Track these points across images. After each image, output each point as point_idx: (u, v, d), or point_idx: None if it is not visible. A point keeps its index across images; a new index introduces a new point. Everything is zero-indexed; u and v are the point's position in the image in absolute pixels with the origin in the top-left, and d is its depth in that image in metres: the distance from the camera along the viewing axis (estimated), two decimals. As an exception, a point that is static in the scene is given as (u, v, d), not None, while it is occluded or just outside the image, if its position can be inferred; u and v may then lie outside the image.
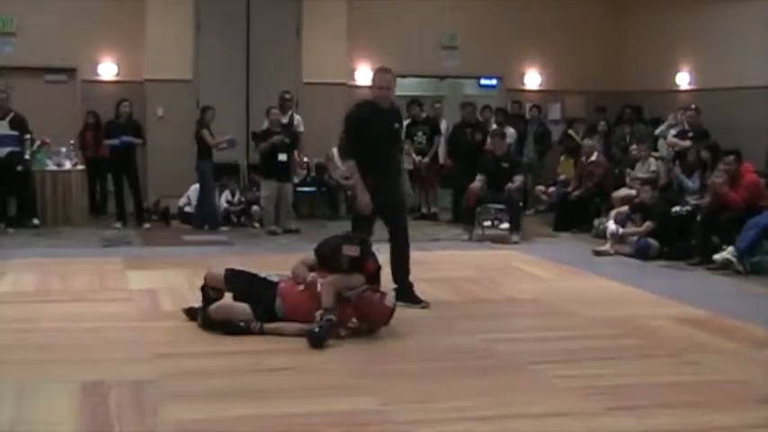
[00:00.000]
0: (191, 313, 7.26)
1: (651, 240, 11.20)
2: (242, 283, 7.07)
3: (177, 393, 5.47)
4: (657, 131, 14.75)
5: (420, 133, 14.93)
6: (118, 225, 13.33)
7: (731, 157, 10.84)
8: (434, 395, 5.54)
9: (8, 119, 12.82)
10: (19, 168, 12.92)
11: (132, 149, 13.55)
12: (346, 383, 5.79)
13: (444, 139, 15.25)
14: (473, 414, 5.23)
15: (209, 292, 7.17)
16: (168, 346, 6.64)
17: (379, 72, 8.27)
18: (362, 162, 7.87)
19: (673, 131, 14.21)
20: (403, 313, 7.44)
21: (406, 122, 15.52)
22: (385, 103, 8.14)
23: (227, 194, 14.08)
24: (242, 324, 6.80)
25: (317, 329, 6.57)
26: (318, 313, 6.67)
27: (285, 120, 13.95)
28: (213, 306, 7.01)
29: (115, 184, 13.75)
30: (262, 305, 6.88)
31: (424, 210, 15.08)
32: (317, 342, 6.51)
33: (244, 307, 6.88)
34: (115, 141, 13.43)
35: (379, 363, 6.28)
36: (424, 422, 5.06)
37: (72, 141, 14.26)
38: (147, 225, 13.42)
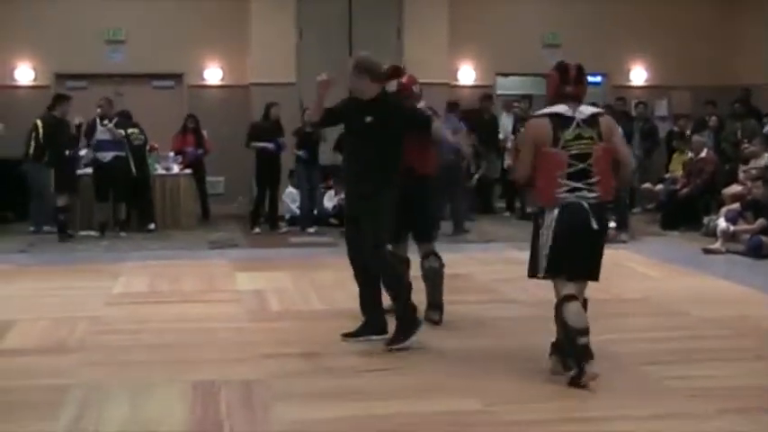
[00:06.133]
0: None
1: (764, 238, 10.89)
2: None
3: (286, 393, 5.54)
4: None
5: (523, 130, 14.71)
6: (257, 230, 13.38)
7: None
8: (539, 396, 5.49)
9: (112, 123, 13.07)
10: (134, 174, 13.21)
11: (280, 153, 13.60)
12: (449, 384, 5.78)
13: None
14: (580, 415, 5.17)
15: None
16: (276, 346, 6.73)
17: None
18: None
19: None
20: (503, 313, 7.40)
21: (509, 119, 15.43)
22: (361, 94, 6.78)
23: (330, 195, 14.18)
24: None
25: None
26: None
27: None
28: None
29: (259, 188, 13.64)
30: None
31: (529, 209, 14.90)
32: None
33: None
34: (270, 145, 13.44)
35: (482, 363, 6.23)
36: (530, 423, 5.03)
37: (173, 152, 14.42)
38: (257, 229, 13.48)
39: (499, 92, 17.05)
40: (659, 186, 14.49)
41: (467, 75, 16.59)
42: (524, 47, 16.48)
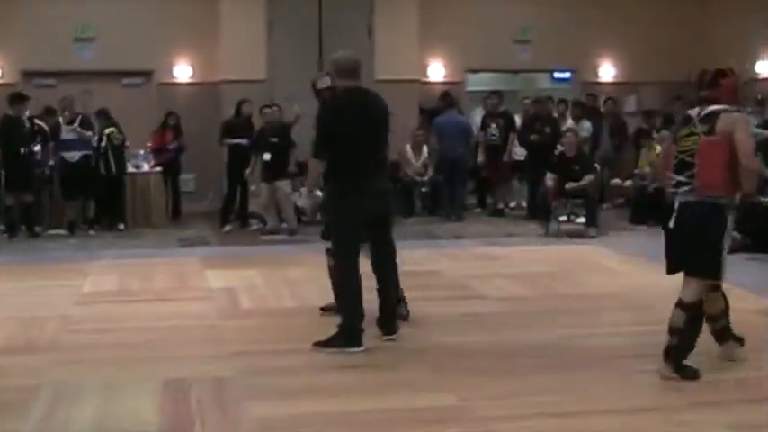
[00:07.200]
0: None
1: (733, 232, 10.94)
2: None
3: (257, 390, 5.52)
4: None
5: (494, 125, 14.72)
6: (228, 228, 13.26)
7: None
8: (513, 391, 5.51)
9: (76, 123, 12.97)
10: (103, 172, 13.11)
11: (251, 150, 13.38)
12: (425, 380, 5.78)
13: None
14: (553, 410, 5.17)
15: None
16: (248, 343, 6.71)
17: None
18: None
19: (754, 121, 13.90)
20: (475, 309, 7.39)
21: (480, 114, 15.49)
22: None
23: (298, 194, 14.09)
24: None
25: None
26: None
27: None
28: None
29: (230, 185, 13.52)
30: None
31: (500, 206, 14.94)
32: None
33: None
34: (243, 141, 13.30)
35: (458, 359, 6.24)
36: (503, 418, 5.03)
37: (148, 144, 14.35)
38: (228, 227, 13.40)
39: (469, 88, 17.09)
40: (628, 182, 14.56)
41: (437, 71, 16.61)
42: (494, 43, 16.53)
